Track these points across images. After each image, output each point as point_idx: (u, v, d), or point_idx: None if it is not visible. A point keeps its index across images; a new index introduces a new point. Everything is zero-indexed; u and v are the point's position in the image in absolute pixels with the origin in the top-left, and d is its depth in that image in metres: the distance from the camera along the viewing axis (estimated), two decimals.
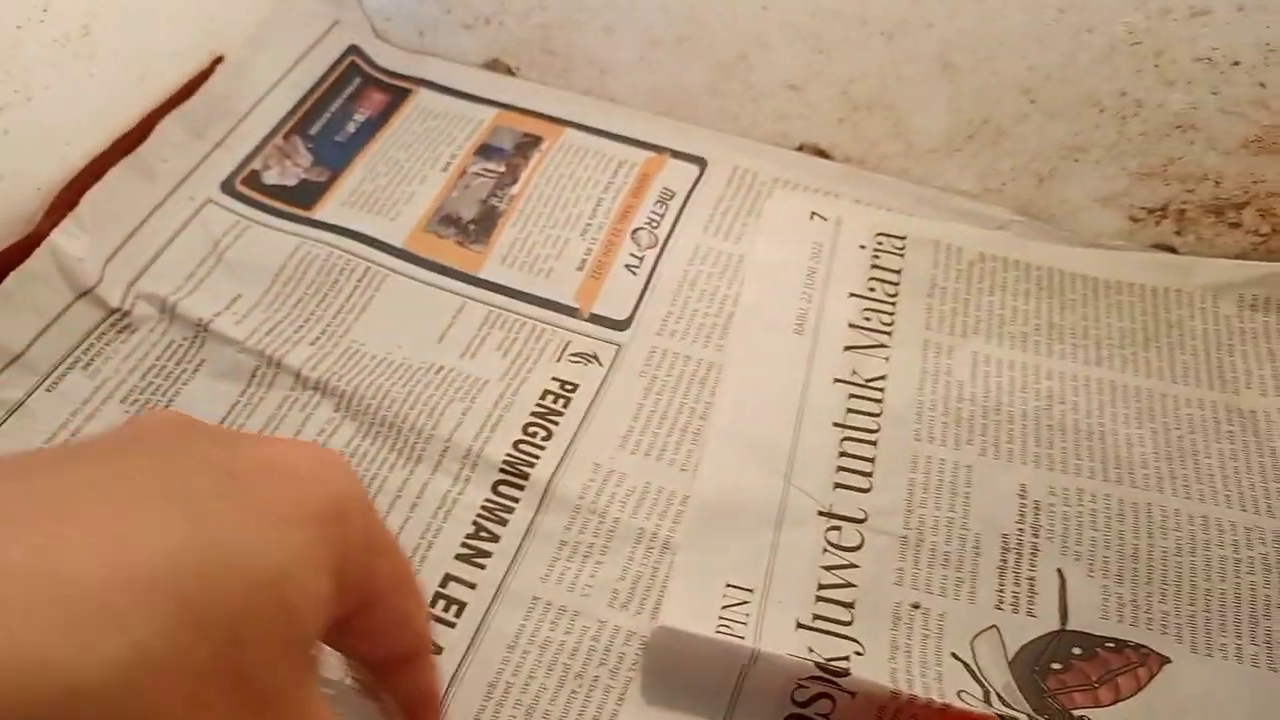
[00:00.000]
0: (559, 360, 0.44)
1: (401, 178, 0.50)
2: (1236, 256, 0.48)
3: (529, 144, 0.52)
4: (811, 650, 0.35)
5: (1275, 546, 0.39)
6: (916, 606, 0.37)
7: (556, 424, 0.42)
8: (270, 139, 0.51)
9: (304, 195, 0.49)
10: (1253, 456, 0.41)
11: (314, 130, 0.52)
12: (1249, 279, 0.47)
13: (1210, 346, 0.45)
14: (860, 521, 0.39)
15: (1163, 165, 0.47)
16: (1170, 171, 0.47)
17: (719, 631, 0.35)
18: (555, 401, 0.42)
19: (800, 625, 0.36)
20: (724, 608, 0.37)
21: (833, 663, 0.35)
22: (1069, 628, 0.37)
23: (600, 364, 0.44)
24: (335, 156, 0.51)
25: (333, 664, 0.28)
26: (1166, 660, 0.36)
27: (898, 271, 0.47)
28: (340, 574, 0.22)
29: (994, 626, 0.37)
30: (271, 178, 0.50)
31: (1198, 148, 0.46)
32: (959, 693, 0.35)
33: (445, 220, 0.48)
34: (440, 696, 0.30)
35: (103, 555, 0.18)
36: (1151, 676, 0.36)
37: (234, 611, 0.19)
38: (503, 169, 0.51)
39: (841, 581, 0.38)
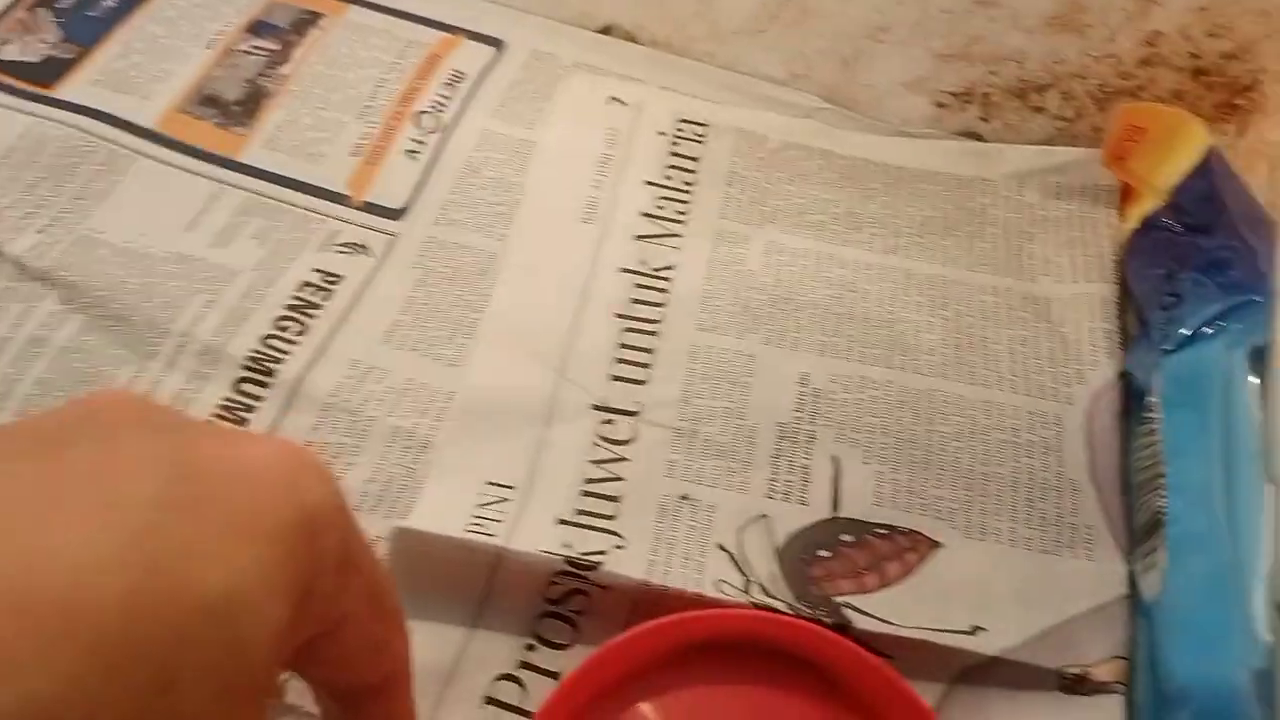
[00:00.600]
0: (323, 251, 0.41)
1: (160, 55, 0.45)
2: (1042, 143, 0.47)
3: (307, 21, 0.48)
4: (567, 546, 0.33)
5: (1055, 430, 0.38)
6: (685, 498, 0.35)
7: (314, 318, 0.39)
8: (10, 11, 0.46)
9: (47, 73, 0.44)
10: (1042, 342, 0.40)
11: (64, 3, 0.47)
12: (1051, 165, 0.46)
13: (1010, 234, 0.44)
14: (634, 414, 0.37)
15: (966, 45, 0.45)
16: (974, 52, 0.45)
17: (469, 530, 0.33)
18: (315, 294, 0.39)
19: (561, 521, 0.34)
20: (480, 506, 0.34)
21: (586, 557, 0.33)
22: (841, 515, 0.36)
23: (371, 254, 0.41)
24: (87, 32, 0.46)
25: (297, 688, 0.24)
26: (938, 545, 0.35)
27: (696, 159, 0.45)
28: (305, 598, 0.18)
29: (764, 516, 0.35)
30: (10, 53, 0.45)
31: (1000, 26, 0.44)
32: (717, 583, 0.33)
33: (206, 101, 0.44)
34: None
35: (4, 579, 0.15)
36: (921, 561, 0.35)
37: (166, 650, 0.16)
38: (276, 47, 0.46)
39: (610, 476, 0.36)
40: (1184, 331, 0.35)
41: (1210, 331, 0.34)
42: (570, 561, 0.32)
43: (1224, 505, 0.30)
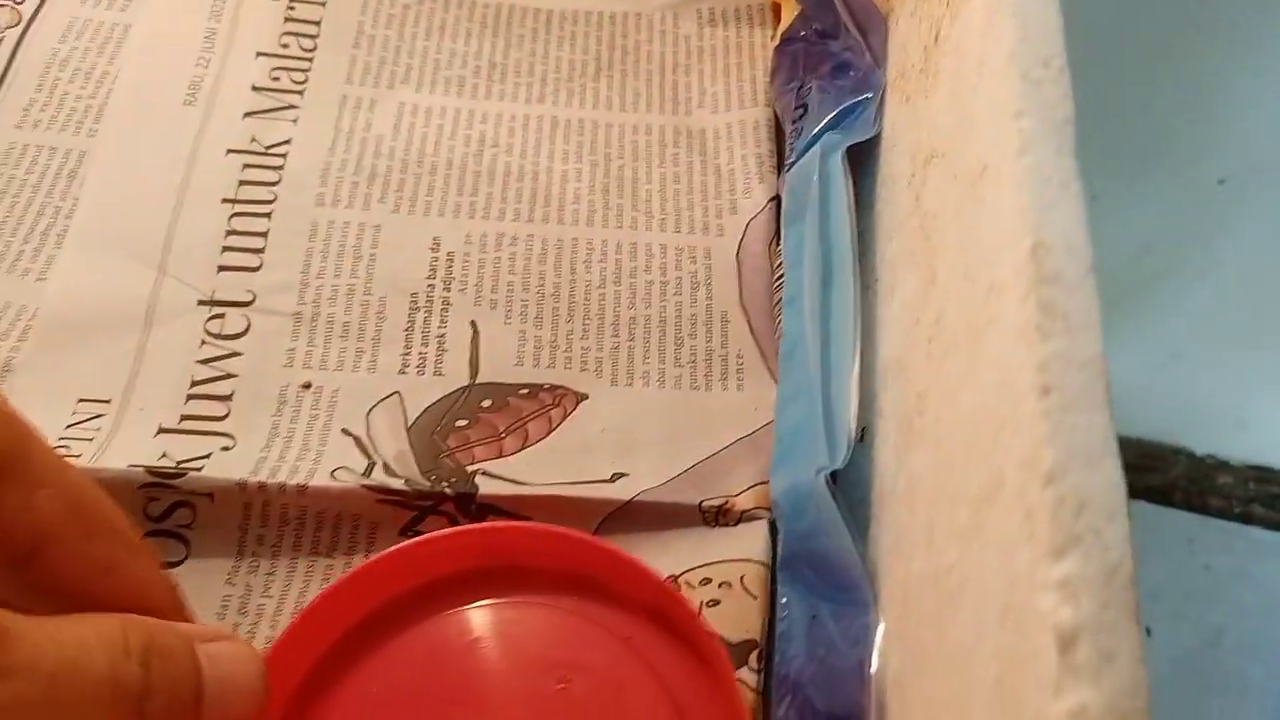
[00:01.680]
0: None
1: None
2: None
3: None
4: (165, 456, 0.30)
5: (705, 264, 0.36)
6: (307, 386, 0.33)
7: None
8: None
9: None
10: (695, 176, 0.39)
11: None
12: None
13: (666, 69, 0.42)
14: (247, 304, 0.34)
15: None
16: None
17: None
18: None
19: (163, 430, 0.31)
20: (69, 427, 0.31)
21: (180, 466, 0.30)
22: (479, 381, 0.33)
23: None
24: None
25: None
26: (584, 398, 0.33)
27: (317, 23, 0.41)
28: None
29: (396, 393, 0.33)
30: None
31: None
32: (335, 471, 0.31)
33: None
34: None
35: None
36: (565, 417, 0.33)
37: None
38: None
39: (220, 374, 0.33)
40: (803, 142, 0.34)
41: (819, 140, 0.33)
42: (154, 472, 0.29)
43: (821, 310, 0.29)
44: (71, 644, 0.19)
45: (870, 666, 0.23)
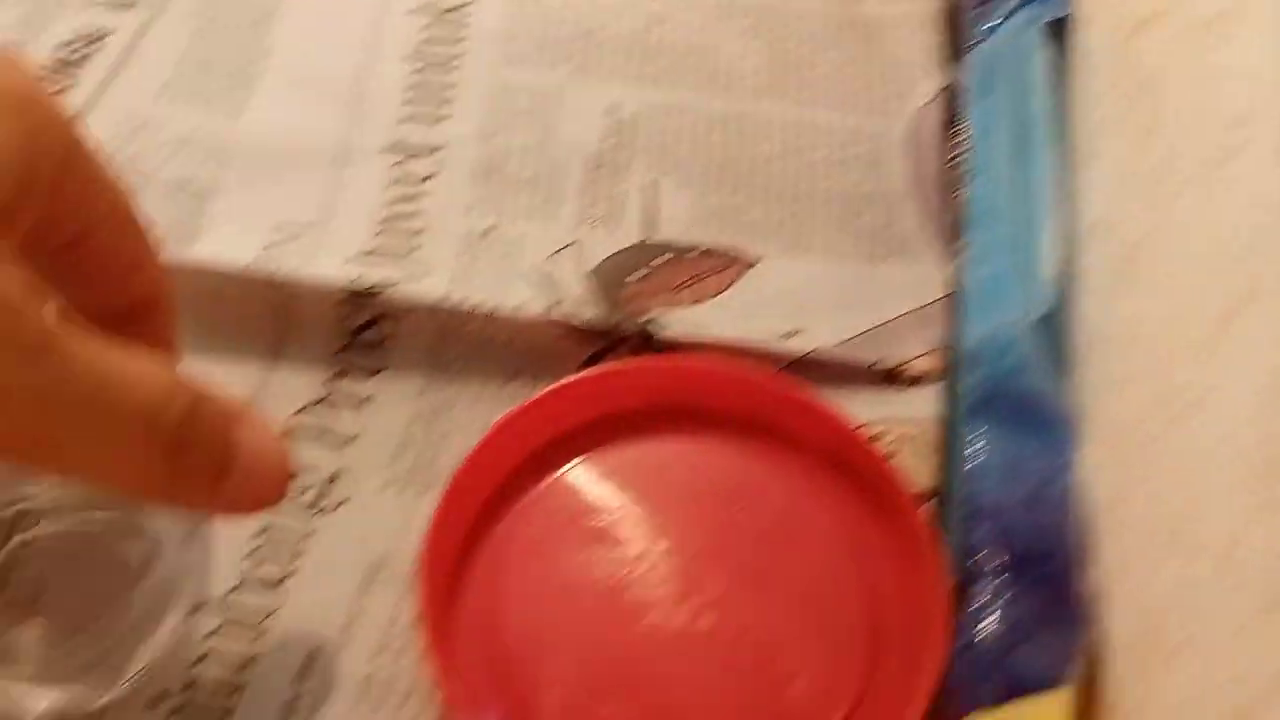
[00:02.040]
0: (90, 6, 0.37)
1: None
2: None
3: None
4: (360, 278, 0.31)
5: (875, 145, 0.37)
6: (491, 230, 0.34)
7: (78, 76, 0.35)
8: None
9: None
10: (866, 64, 0.39)
11: None
12: None
13: None
14: (433, 153, 0.35)
15: None
16: None
17: (257, 263, 0.31)
18: (81, 51, 0.36)
19: (358, 254, 0.32)
20: (268, 246, 0.32)
21: (379, 286, 0.31)
22: (656, 239, 0.34)
23: (142, 8, 0.37)
24: None
25: None
26: (756, 262, 0.34)
27: None
28: (29, 182, 0.19)
29: (575, 243, 0.34)
30: None
31: None
32: (520, 304, 0.32)
33: None
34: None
35: None
36: (737, 277, 0.34)
37: None
38: None
39: (408, 212, 0.34)
40: (993, 23, 0.34)
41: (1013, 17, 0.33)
42: (355, 288, 0.31)
43: (1016, 175, 0.30)
44: (128, 370, 0.20)
45: (1074, 494, 0.24)
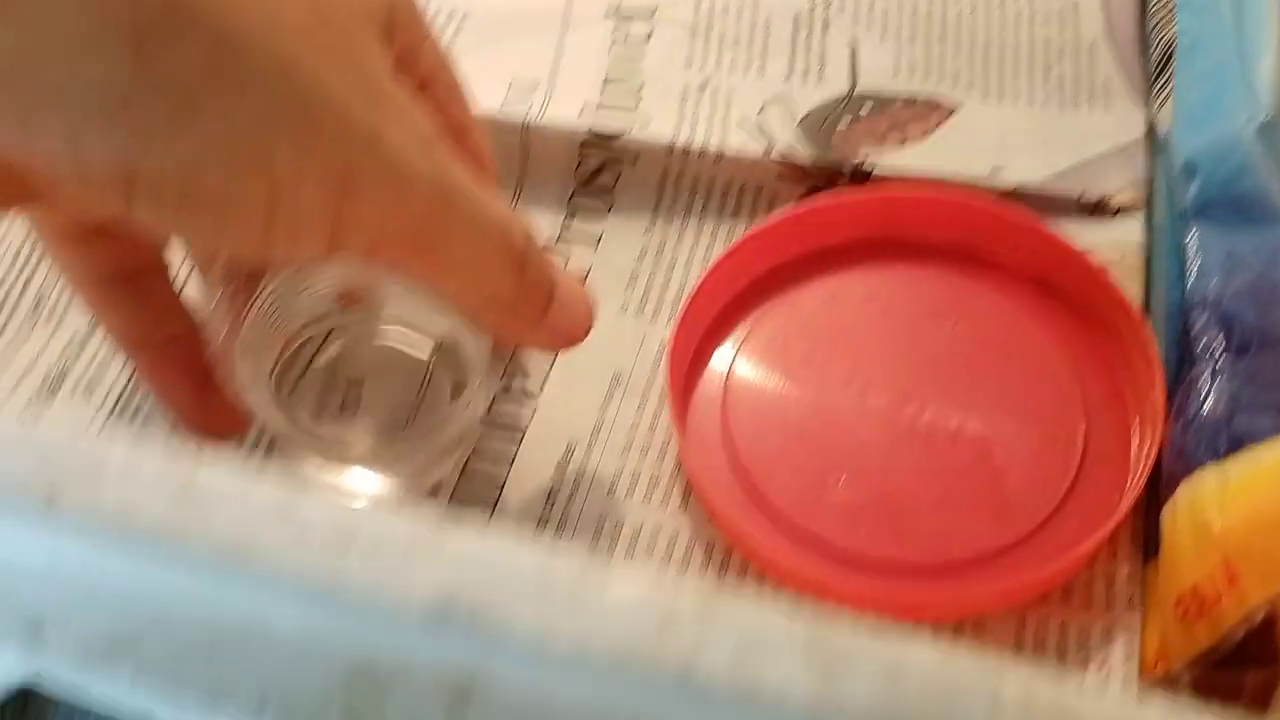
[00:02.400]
0: None
1: None
2: None
3: None
4: (592, 127, 0.34)
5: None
6: (705, 85, 0.36)
7: None
8: None
9: None
10: None
11: None
12: None
13: None
14: (648, 16, 0.38)
15: None
16: None
17: (502, 110, 0.34)
18: None
19: (587, 107, 0.35)
20: (503, 105, 0.35)
21: (619, 130, 0.34)
22: (859, 90, 0.36)
23: None
24: None
25: None
26: (957, 109, 0.36)
27: None
28: (389, 21, 0.21)
29: (783, 95, 0.36)
30: None
31: None
32: (738, 150, 0.34)
33: None
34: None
35: None
36: (941, 124, 0.35)
37: None
38: None
39: (630, 71, 0.36)
40: None
41: None
42: (593, 132, 0.34)
43: (1229, 6, 0.30)
44: (484, 188, 0.22)
45: None
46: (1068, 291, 0.31)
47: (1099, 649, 0.26)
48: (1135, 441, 0.28)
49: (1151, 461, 0.26)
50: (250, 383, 0.26)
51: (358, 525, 0.12)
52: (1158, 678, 0.25)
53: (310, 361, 0.30)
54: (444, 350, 0.30)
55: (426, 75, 0.24)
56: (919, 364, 0.31)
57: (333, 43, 0.19)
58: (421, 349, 0.31)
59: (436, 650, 0.13)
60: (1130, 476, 0.27)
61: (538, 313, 0.24)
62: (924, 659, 0.12)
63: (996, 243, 0.32)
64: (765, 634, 0.12)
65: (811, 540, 0.28)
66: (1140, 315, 0.29)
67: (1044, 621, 0.27)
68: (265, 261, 0.27)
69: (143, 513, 0.12)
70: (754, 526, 0.28)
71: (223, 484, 0.12)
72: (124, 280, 0.26)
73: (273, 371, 0.29)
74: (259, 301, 0.27)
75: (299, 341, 0.30)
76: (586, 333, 0.26)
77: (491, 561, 0.12)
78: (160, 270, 0.27)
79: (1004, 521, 0.28)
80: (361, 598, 0.12)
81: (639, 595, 0.12)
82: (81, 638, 0.14)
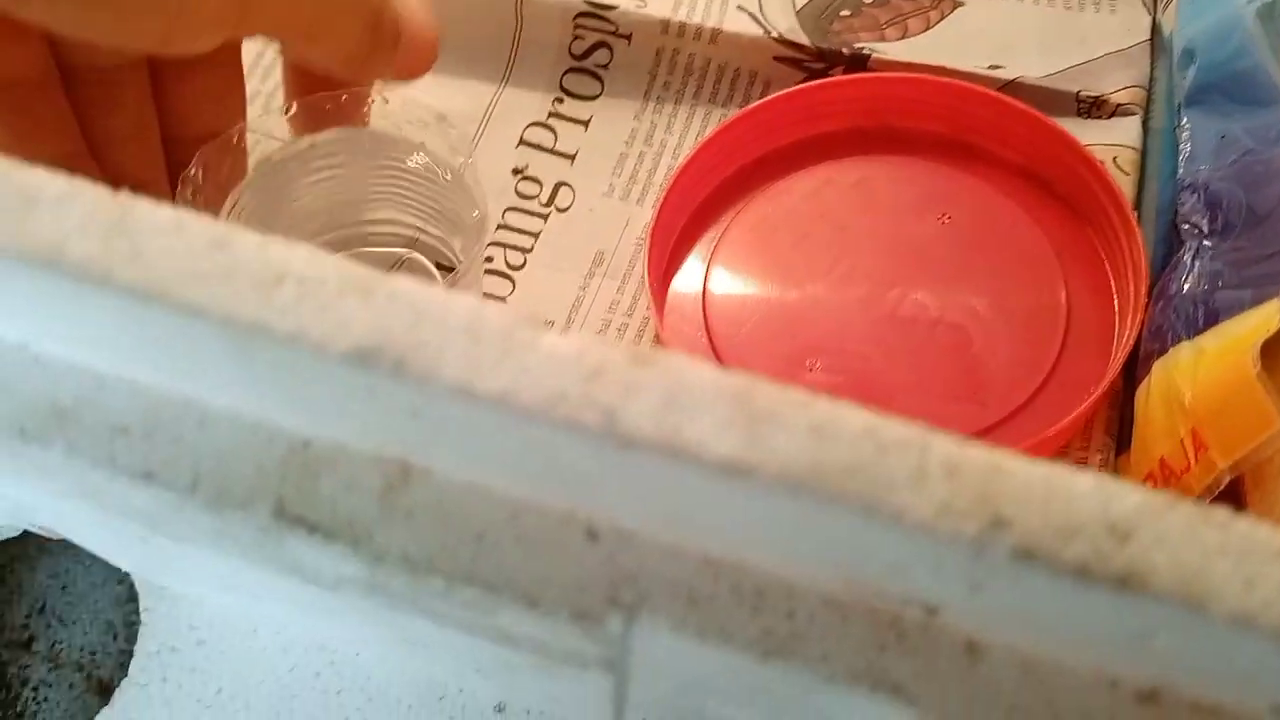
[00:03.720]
0: None
1: None
2: None
3: None
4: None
5: None
6: None
7: None
8: None
9: None
10: None
11: None
12: None
13: None
14: None
15: None
16: None
17: None
18: None
19: None
20: None
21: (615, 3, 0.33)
22: None
23: None
24: None
25: None
26: (960, 4, 0.35)
27: None
28: None
29: None
30: None
31: None
32: (736, 31, 0.34)
33: None
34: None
35: None
36: (943, 18, 0.35)
37: None
38: None
39: None
40: None
41: None
42: (590, 2, 0.33)
43: None
44: None
45: None
46: (1059, 184, 0.31)
47: None
48: (1115, 332, 0.28)
49: (1130, 347, 0.26)
50: None
51: (289, 264, 0.12)
52: None
53: None
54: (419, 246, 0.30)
55: None
56: (905, 253, 0.30)
57: None
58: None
59: (366, 403, 0.12)
60: (1109, 363, 0.27)
61: (387, 62, 0.25)
62: (853, 419, 0.12)
63: (990, 133, 0.31)
64: (694, 387, 0.12)
65: None
66: (1129, 206, 0.29)
67: None
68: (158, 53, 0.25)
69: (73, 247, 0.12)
70: None
71: (156, 219, 0.12)
72: (3, 89, 0.23)
73: None
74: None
75: None
76: (429, 66, 0.26)
77: (424, 309, 0.12)
78: (51, 82, 0.24)
79: (980, 406, 0.28)
80: (287, 337, 0.12)
81: (572, 348, 0.12)
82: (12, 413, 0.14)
